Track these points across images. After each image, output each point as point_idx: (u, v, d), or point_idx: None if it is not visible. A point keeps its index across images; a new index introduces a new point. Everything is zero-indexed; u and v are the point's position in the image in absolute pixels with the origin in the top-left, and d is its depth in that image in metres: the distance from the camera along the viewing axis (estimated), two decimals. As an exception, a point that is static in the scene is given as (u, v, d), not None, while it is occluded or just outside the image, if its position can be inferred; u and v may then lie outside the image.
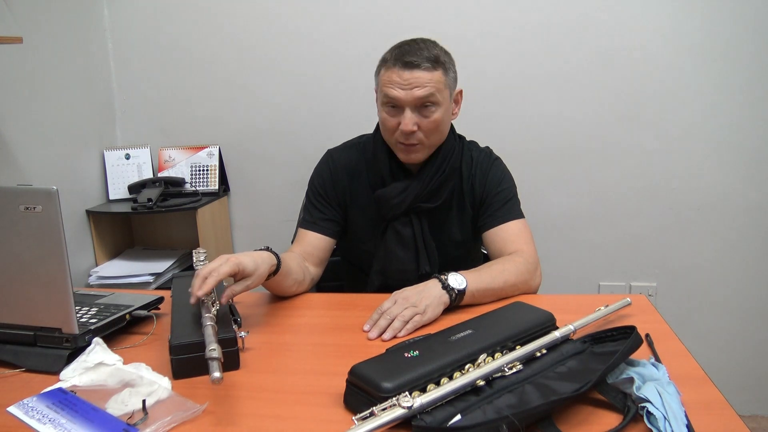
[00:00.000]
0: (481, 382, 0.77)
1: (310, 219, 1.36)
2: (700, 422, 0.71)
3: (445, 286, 1.09)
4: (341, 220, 1.38)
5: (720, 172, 1.92)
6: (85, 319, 1.01)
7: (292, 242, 1.38)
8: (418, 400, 0.71)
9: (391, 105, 1.23)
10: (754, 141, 1.88)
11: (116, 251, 2.08)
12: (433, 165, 1.29)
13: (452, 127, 1.35)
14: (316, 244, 1.33)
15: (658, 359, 0.86)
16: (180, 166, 2.10)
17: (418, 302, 1.05)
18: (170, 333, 0.91)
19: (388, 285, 1.27)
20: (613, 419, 0.74)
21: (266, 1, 1.98)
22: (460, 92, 1.31)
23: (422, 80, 1.19)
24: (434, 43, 1.25)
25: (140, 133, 2.14)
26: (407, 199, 1.29)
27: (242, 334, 0.93)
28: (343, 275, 1.54)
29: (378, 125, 1.33)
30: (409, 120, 1.21)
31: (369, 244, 1.37)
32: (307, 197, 1.39)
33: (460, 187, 1.34)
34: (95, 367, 0.88)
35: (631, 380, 0.76)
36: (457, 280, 1.10)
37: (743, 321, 2.02)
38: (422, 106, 1.21)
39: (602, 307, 1.00)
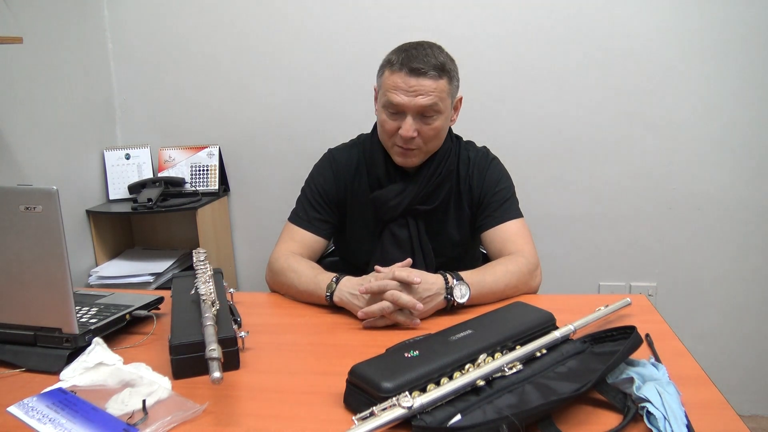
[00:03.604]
0: (481, 382, 0.77)
1: (305, 217, 1.35)
2: (700, 422, 0.71)
3: (447, 298, 1.09)
4: (336, 221, 1.38)
5: (720, 172, 1.92)
6: (85, 319, 1.01)
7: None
8: (418, 400, 0.71)
9: (393, 110, 1.22)
10: (754, 141, 1.88)
11: (116, 251, 2.08)
12: (429, 167, 1.29)
13: (449, 128, 1.35)
14: (309, 243, 1.33)
15: (658, 359, 0.86)
16: (180, 166, 2.10)
17: (424, 302, 1.06)
18: (170, 333, 0.91)
19: None
20: (613, 419, 0.74)
21: (266, 1, 1.98)
22: (460, 99, 1.30)
23: (427, 88, 1.18)
24: (440, 49, 1.24)
25: (140, 133, 2.14)
26: (404, 202, 1.29)
27: (242, 334, 0.93)
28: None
29: (375, 125, 1.33)
30: (410, 126, 1.20)
31: (367, 244, 1.37)
32: (304, 194, 1.39)
33: (458, 188, 1.34)
34: (95, 367, 0.88)
35: (631, 380, 0.76)
36: (461, 291, 1.10)
37: (743, 321, 2.02)
38: (425, 113, 1.21)
39: (602, 307, 1.00)
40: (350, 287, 1.11)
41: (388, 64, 1.23)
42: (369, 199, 1.33)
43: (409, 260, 1.14)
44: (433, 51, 1.21)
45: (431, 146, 1.26)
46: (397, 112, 1.22)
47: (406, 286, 1.06)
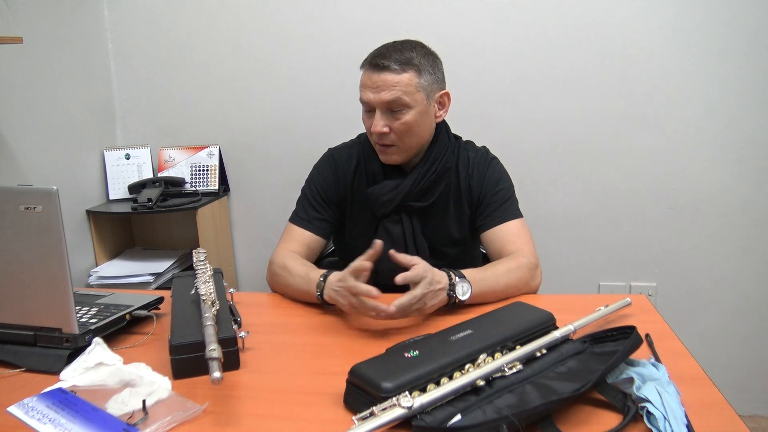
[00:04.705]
0: (481, 382, 0.77)
1: (305, 217, 1.36)
2: (700, 422, 0.71)
3: (450, 294, 1.09)
4: (336, 221, 1.38)
5: (720, 172, 1.92)
6: (85, 319, 1.01)
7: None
8: (418, 400, 0.71)
9: (365, 107, 1.25)
10: (754, 141, 1.88)
11: (116, 251, 2.08)
12: (424, 164, 1.29)
13: (447, 127, 1.35)
14: (309, 243, 1.34)
15: (658, 359, 0.86)
16: (180, 166, 2.10)
17: (431, 295, 1.05)
18: (170, 333, 0.91)
19: (379, 283, 1.27)
20: (613, 419, 0.74)
21: (266, 1, 1.98)
22: (446, 94, 1.29)
23: (389, 83, 1.19)
24: (414, 45, 1.23)
25: (140, 133, 2.14)
26: (397, 198, 1.29)
27: (242, 334, 0.93)
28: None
29: None
30: (378, 122, 1.22)
31: (364, 241, 1.36)
32: (304, 194, 1.39)
33: (457, 187, 1.34)
34: (95, 367, 0.88)
35: (631, 380, 0.76)
36: (463, 288, 1.10)
37: (743, 321, 2.02)
38: (392, 108, 1.21)
39: (602, 307, 1.00)
40: (333, 283, 1.10)
41: (361, 64, 1.25)
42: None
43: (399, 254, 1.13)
44: (403, 46, 1.22)
45: (408, 142, 1.25)
46: (369, 109, 1.24)
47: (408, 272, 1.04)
